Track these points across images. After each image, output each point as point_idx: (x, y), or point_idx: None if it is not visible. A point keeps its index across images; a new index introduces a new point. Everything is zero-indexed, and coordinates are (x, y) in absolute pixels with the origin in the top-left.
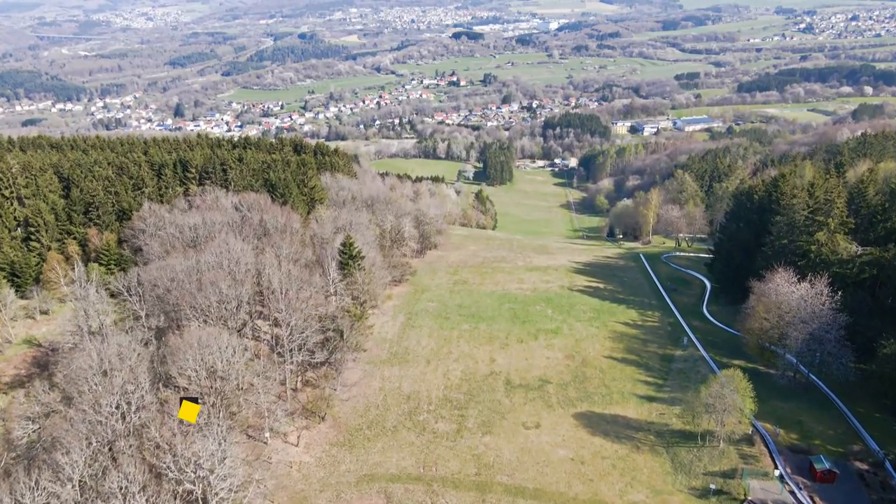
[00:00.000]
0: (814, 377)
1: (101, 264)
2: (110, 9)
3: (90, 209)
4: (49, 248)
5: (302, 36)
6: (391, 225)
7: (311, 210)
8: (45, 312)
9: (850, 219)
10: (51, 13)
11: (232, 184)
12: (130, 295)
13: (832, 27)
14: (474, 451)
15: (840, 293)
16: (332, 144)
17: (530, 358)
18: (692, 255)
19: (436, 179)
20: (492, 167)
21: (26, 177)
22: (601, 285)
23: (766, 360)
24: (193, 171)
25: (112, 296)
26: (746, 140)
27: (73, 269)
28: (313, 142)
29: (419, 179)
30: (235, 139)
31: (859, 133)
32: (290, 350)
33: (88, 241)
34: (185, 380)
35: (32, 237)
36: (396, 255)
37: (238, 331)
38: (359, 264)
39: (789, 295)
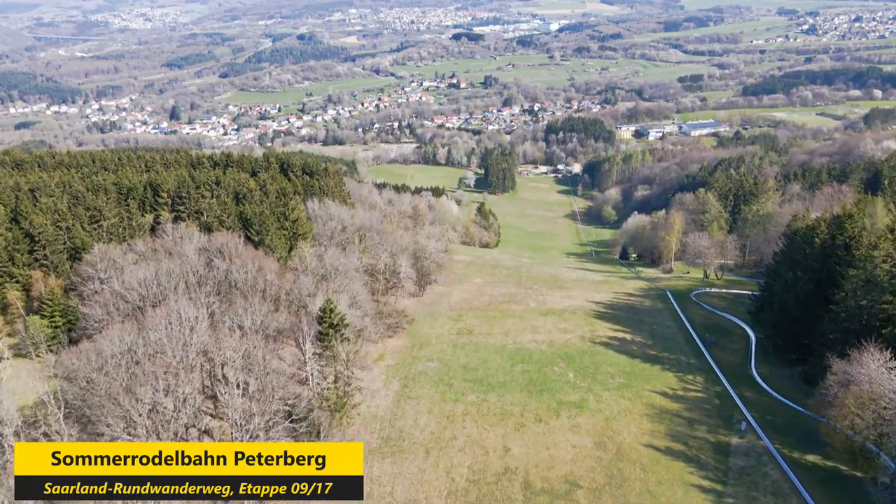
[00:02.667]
0: None
1: (43, 316)
2: (108, 9)
3: (36, 248)
4: None
5: (301, 37)
6: (385, 265)
7: (292, 248)
8: None
9: None
10: (49, 14)
11: (204, 213)
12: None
13: (835, 28)
14: None
15: None
16: (329, 150)
17: (552, 446)
18: (724, 291)
19: (436, 192)
20: (493, 174)
21: None
22: (628, 336)
23: (858, 465)
24: (165, 195)
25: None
26: (760, 148)
27: (10, 323)
28: (305, 154)
29: (419, 191)
30: (217, 156)
31: (894, 146)
32: None
33: (32, 287)
34: None
35: None
36: (391, 301)
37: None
38: (342, 334)
39: (887, 384)
